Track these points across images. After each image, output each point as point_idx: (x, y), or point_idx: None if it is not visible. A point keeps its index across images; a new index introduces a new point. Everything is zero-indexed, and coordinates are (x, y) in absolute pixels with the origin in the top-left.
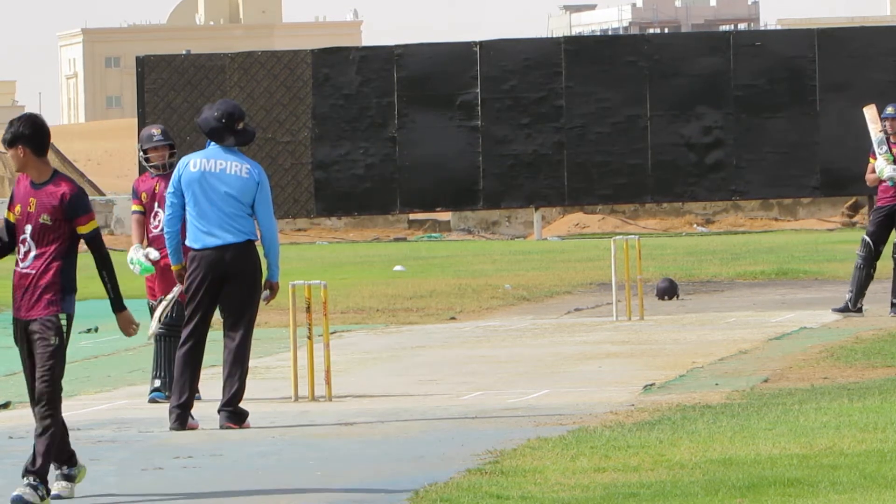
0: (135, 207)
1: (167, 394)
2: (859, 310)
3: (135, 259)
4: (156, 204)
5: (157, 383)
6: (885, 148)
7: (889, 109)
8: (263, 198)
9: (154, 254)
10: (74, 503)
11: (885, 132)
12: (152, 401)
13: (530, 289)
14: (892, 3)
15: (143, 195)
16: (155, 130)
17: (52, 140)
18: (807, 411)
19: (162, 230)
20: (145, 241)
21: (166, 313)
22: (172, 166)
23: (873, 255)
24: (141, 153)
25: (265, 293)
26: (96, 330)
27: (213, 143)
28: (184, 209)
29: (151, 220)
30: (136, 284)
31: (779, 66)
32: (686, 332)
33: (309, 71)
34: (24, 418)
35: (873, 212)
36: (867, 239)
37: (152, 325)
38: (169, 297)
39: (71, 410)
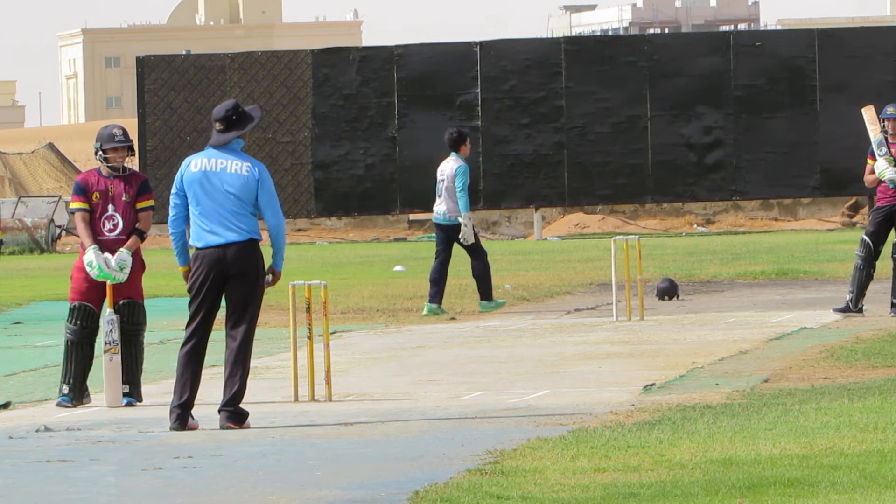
0: (80, 205)
1: (75, 402)
2: (860, 310)
3: (94, 263)
4: (110, 206)
5: (66, 389)
6: (884, 150)
7: (889, 109)
8: (266, 194)
9: (113, 262)
10: (73, 503)
11: (885, 132)
12: (59, 405)
13: (530, 289)
14: (892, 3)
15: (96, 195)
16: (117, 130)
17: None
18: (807, 411)
19: (119, 233)
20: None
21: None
22: (126, 169)
23: (872, 255)
24: (100, 152)
25: (267, 277)
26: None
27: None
28: (187, 210)
29: (104, 222)
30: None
31: (779, 66)
32: (686, 333)
33: (309, 71)
34: (24, 418)
35: (873, 212)
36: (866, 239)
37: None
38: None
39: (71, 410)
